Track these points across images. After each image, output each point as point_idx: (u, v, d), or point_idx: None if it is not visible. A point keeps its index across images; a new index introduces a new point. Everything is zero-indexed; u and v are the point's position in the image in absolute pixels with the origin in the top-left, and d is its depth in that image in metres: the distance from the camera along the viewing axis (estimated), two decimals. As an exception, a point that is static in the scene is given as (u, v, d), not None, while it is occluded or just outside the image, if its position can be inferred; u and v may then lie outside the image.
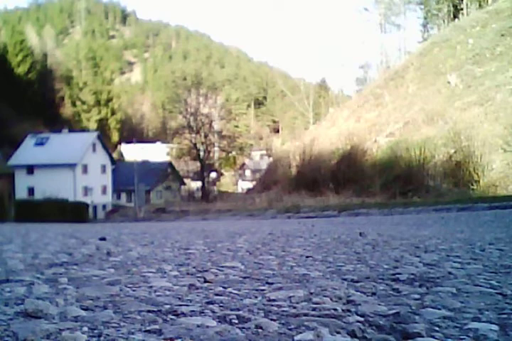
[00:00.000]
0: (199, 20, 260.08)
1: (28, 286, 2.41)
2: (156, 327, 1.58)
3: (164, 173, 60.23)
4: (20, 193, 43.94)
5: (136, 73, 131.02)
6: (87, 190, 46.59)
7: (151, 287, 2.38)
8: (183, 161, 63.36)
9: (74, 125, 71.07)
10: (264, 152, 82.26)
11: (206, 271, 2.98)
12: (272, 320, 1.68)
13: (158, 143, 72.86)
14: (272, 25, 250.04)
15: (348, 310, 1.82)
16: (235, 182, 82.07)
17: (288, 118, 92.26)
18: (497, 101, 31.98)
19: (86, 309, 1.86)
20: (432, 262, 3.30)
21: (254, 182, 65.39)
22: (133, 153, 67.76)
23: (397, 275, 2.68)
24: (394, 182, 31.57)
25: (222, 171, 78.55)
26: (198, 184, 61.24)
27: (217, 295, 2.17)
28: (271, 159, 64.41)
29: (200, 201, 52.11)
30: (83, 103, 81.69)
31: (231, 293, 2.22)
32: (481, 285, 2.33)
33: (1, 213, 34.96)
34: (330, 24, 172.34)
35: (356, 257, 3.72)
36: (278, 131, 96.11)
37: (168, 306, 1.90)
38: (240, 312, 1.78)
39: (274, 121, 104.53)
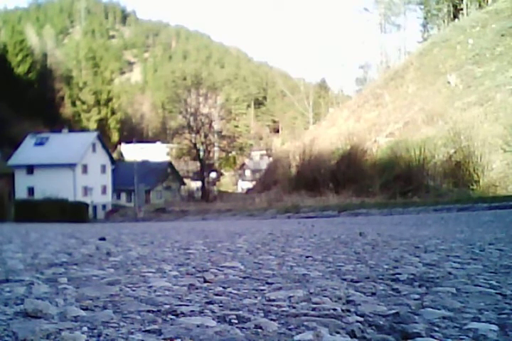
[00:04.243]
0: (199, 20, 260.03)
1: (27, 286, 2.41)
2: (156, 327, 1.58)
3: (164, 173, 60.23)
4: (20, 193, 43.95)
5: (136, 73, 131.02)
6: (86, 190, 46.59)
7: (150, 287, 2.38)
8: (183, 161, 63.32)
9: (74, 125, 71.05)
10: (264, 152, 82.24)
11: (206, 271, 2.98)
12: (271, 320, 1.68)
13: (158, 143, 72.82)
14: (272, 25, 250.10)
15: (348, 310, 1.82)
16: (234, 182, 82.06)
17: (288, 118, 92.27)
18: (497, 101, 31.99)
19: (86, 309, 1.86)
20: (431, 262, 3.30)
21: (254, 182, 65.39)
22: (133, 153, 67.80)
23: (397, 276, 2.68)
24: (394, 182, 31.56)
25: (222, 171, 78.44)
26: (198, 184, 61.20)
27: (216, 295, 2.17)
28: (271, 159, 64.40)
29: (200, 201, 52.09)
30: (83, 103, 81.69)
31: (231, 293, 2.22)
32: (480, 285, 2.33)
33: (1, 213, 34.93)
34: (330, 24, 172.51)
35: (356, 257, 3.72)
36: (278, 131, 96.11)
37: (167, 306, 1.90)
38: (240, 312, 1.78)
39: (274, 121, 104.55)
